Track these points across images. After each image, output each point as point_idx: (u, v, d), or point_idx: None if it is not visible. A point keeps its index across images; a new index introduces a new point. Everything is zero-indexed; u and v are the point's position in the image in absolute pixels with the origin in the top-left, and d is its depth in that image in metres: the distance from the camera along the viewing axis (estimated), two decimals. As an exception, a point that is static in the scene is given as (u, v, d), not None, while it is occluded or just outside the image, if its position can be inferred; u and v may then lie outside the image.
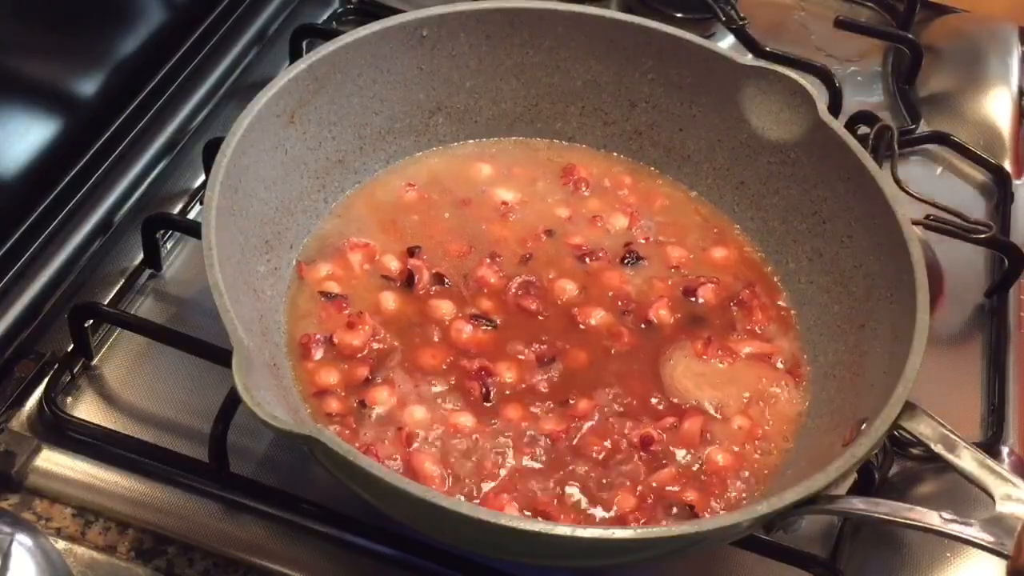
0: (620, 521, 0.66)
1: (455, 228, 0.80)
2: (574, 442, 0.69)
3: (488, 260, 0.78)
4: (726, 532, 0.61)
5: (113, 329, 0.78)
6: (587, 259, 0.80)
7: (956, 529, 0.58)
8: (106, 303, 0.79)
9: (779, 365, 0.75)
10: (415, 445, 0.68)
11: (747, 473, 0.70)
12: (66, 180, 0.83)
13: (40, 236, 0.81)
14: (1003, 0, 1.17)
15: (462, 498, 0.65)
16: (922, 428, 0.63)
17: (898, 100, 1.07)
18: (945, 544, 0.72)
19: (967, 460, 0.61)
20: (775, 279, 0.80)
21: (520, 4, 0.81)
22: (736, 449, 0.71)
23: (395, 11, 0.81)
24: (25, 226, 0.80)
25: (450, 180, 0.83)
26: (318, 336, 0.72)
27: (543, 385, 0.72)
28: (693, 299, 0.78)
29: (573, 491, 0.67)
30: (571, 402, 0.71)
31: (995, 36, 1.12)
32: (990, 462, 0.61)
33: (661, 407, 0.72)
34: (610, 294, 0.78)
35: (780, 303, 0.79)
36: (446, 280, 0.76)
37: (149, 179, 0.88)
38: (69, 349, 0.76)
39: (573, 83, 0.84)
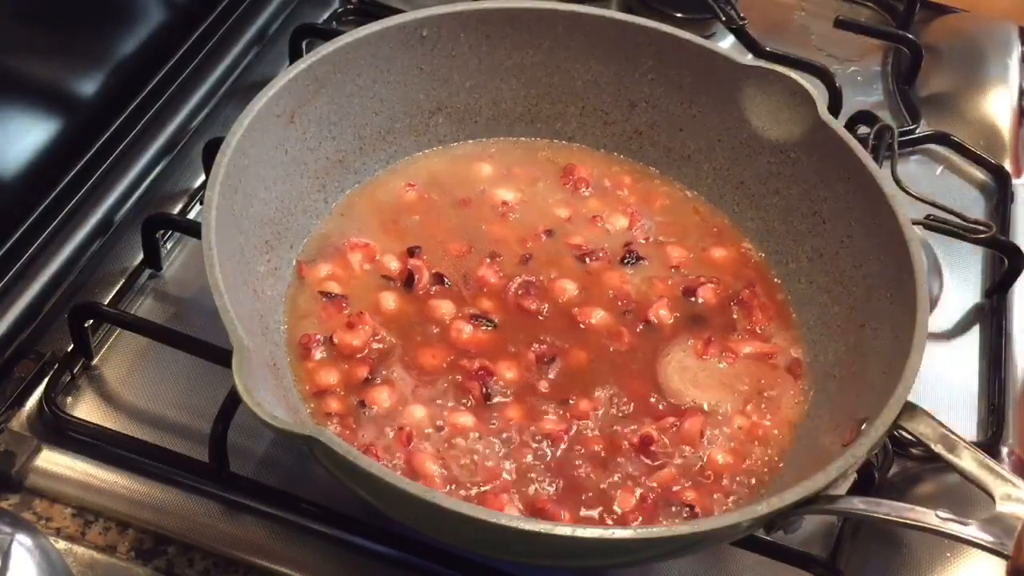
0: (620, 521, 0.66)
1: (455, 228, 0.80)
2: (574, 442, 0.69)
3: (488, 260, 0.78)
4: (726, 532, 0.61)
5: (113, 329, 0.78)
6: (587, 259, 0.80)
7: (956, 529, 0.58)
8: (106, 303, 0.79)
9: (779, 365, 0.75)
10: (415, 445, 0.68)
11: (747, 473, 0.70)
12: (66, 180, 0.83)
13: (40, 236, 0.81)
14: (1003, 0, 1.17)
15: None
16: (922, 428, 0.63)
17: (898, 100, 1.07)
18: (945, 544, 0.72)
19: (967, 460, 0.61)
20: (775, 279, 0.80)
21: (520, 4, 0.81)
22: (736, 449, 0.71)
23: (395, 11, 0.81)
24: (25, 226, 0.80)
25: (450, 180, 0.83)
26: (318, 336, 0.72)
27: (543, 385, 0.72)
28: (693, 299, 0.78)
29: (573, 491, 0.67)
30: (571, 402, 0.71)
31: (995, 36, 1.12)
32: (990, 462, 0.61)
33: (661, 407, 0.72)
34: (610, 294, 0.78)
35: (780, 303, 0.79)
36: (446, 280, 0.76)
37: (149, 179, 0.88)
38: (69, 349, 0.76)
39: (573, 83, 0.84)
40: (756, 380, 0.74)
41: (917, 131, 1.02)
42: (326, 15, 1.05)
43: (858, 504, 0.62)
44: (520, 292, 0.76)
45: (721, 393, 0.73)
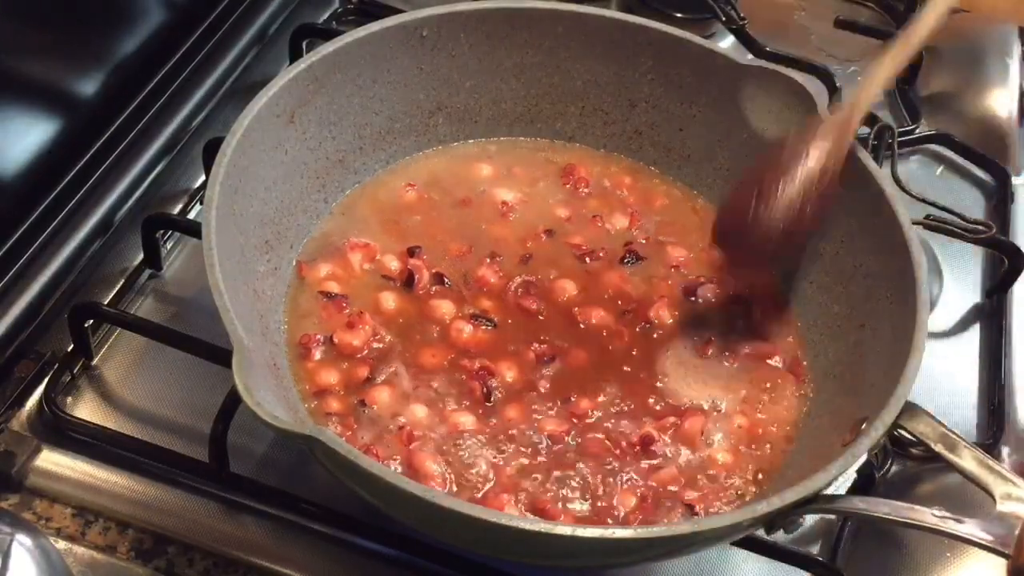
0: (620, 521, 0.66)
1: (455, 228, 0.80)
2: (574, 442, 0.69)
3: (488, 260, 0.78)
4: (726, 532, 0.61)
5: (113, 329, 0.78)
6: (587, 259, 0.80)
7: (956, 528, 0.58)
8: (106, 303, 0.79)
9: (779, 365, 0.75)
10: (415, 444, 0.68)
11: (747, 472, 0.70)
12: (66, 180, 0.83)
13: (40, 236, 0.81)
14: (1003, 0, 1.17)
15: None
16: (922, 428, 0.63)
17: (898, 100, 1.07)
18: (945, 544, 0.72)
19: (967, 460, 0.61)
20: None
21: (520, 4, 0.81)
22: (736, 448, 0.71)
23: (395, 11, 0.81)
24: (25, 226, 0.80)
25: (450, 180, 0.83)
26: (318, 336, 0.72)
27: (543, 385, 0.72)
28: (693, 299, 0.78)
29: (573, 491, 0.67)
30: (571, 400, 0.71)
31: (995, 36, 1.12)
32: (990, 461, 0.61)
33: (660, 407, 0.72)
34: (610, 293, 0.78)
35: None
36: (446, 280, 0.76)
37: (149, 179, 0.88)
38: (69, 349, 0.76)
39: (573, 83, 0.84)
40: (756, 380, 0.74)
41: (917, 131, 1.02)
42: (326, 15, 1.05)
43: (858, 504, 0.62)
44: (520, 292, 0.76)
45: (721, 393, 0.73)
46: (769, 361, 0.75)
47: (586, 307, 0.76)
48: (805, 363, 0.76)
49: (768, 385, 0.74)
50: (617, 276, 0.79)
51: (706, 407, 0.72)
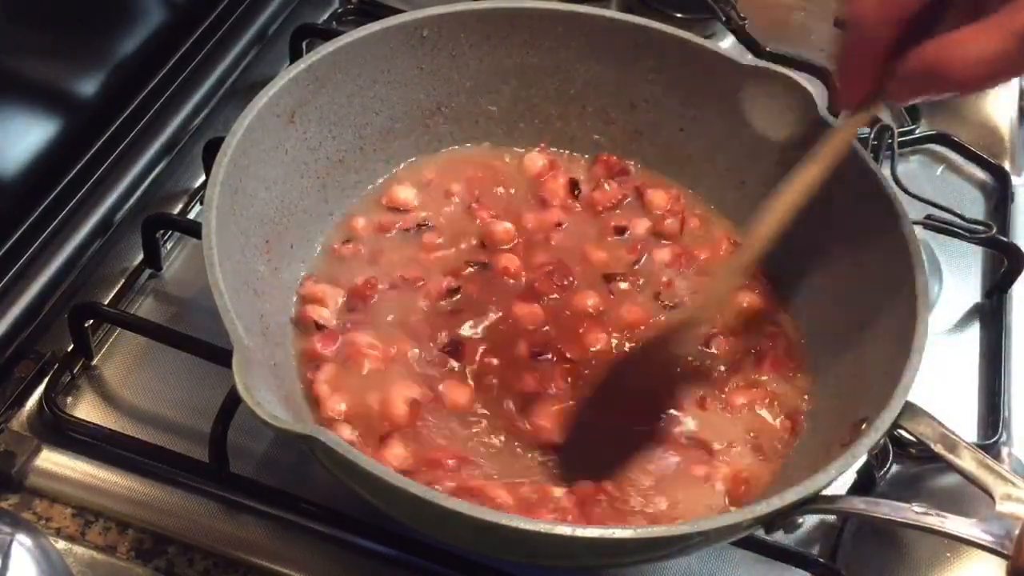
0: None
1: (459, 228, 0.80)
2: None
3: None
4: (726, 532, 0.61)
5: (113, 329, 0.78)
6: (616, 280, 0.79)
7: (955, 529, 0.58)
8: (106, 303, 0.79)
9: (780, 366, 0.75)
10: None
11: (746, 473, 0.70)
12: (66, 180, 0.83)
13: (40, 236, 0.81)
14: (1003, 0, 1.17)
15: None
16: (922, 428, 0.63)
17: (898, 100, 1.07)
18: (945, 544, 0.72)
19: (967, 460, 0.61)
20: (776, 279, 0.80)
21: (520, 4, 0.81)
22: (736, 448, 0.71)
23: (395, 11, 0.81)
24: (25, 226, 0.80)
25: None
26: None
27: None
28: (706, 348, 0.75)
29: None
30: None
31: (995, 36, 1.11)
32: (990, 462, 0.61)
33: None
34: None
35: (781, 305, 0.78)
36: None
37: (149, 179, 0.88)
38: (69, 349, 0.76)
39: (573, 83, 0.84)
40: (757, 383, 0.74)
41: (917, 131, 1.02)
42: (326, 15, 1.05)
43: (858, 504, 0.62)
44: (549, 270, 0.77)
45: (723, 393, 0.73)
46: (770, 363, 0.75)
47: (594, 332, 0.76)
48: (805, 363, 0.75)
49: (768, 387, 0.74)
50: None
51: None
